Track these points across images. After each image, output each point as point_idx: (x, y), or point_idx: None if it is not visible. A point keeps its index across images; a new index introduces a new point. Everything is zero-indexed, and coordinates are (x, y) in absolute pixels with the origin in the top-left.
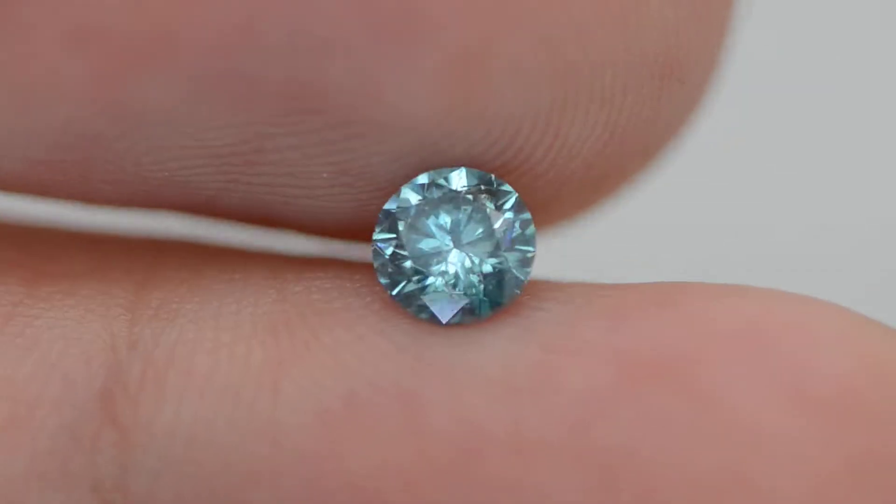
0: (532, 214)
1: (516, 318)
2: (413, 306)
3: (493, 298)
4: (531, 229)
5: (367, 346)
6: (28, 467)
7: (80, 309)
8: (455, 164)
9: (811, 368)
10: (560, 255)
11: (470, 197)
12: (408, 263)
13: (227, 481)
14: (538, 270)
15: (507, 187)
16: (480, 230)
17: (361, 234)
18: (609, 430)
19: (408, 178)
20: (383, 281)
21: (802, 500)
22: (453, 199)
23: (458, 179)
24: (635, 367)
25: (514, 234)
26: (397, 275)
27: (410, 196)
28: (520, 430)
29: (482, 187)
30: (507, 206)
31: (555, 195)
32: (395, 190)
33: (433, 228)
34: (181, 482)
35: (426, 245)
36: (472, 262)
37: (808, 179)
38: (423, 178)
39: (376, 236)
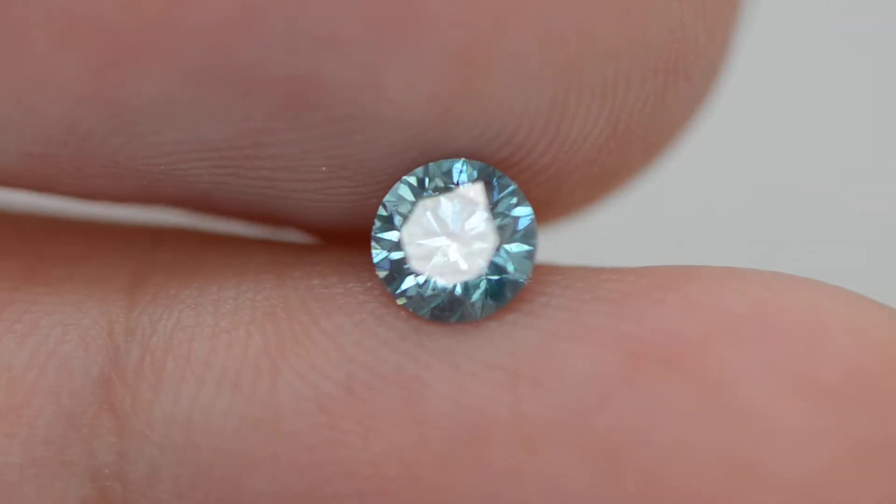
0: (534, 209)
1: (518, 303)
2: (414, 308)
3: (495, 299)
4: (533, 225)
5: (367, 332)
6: (24, 455)
7: (78, 294)
8: (455, 157)
9: (818, 354)
10: (561, 247)
11: (470, 191)
12: (408, 264)
13: (226, 468)
14: (540, 260)
15: (508, 181)
16: (481, 225)
17: (361, 229)
18: (614, 416)
19: (408, 171)
20: (384, 278)
21: (807, 486)
22: (453, 193)
23: (458, 173)
24: (640, 352)
25: (516, 230)
26: (398, 273)
27: (409, 190)
28: (523, 416)
29: (483, 181)
30: (509, 200)
31: (557, 190)
32: (394, 183)
33: (432, 224)
34: (180, 469)
35: (425, 241)
36: (473, 259)
37: (812, 172)
38: (421, 172)
39: (375, 233)
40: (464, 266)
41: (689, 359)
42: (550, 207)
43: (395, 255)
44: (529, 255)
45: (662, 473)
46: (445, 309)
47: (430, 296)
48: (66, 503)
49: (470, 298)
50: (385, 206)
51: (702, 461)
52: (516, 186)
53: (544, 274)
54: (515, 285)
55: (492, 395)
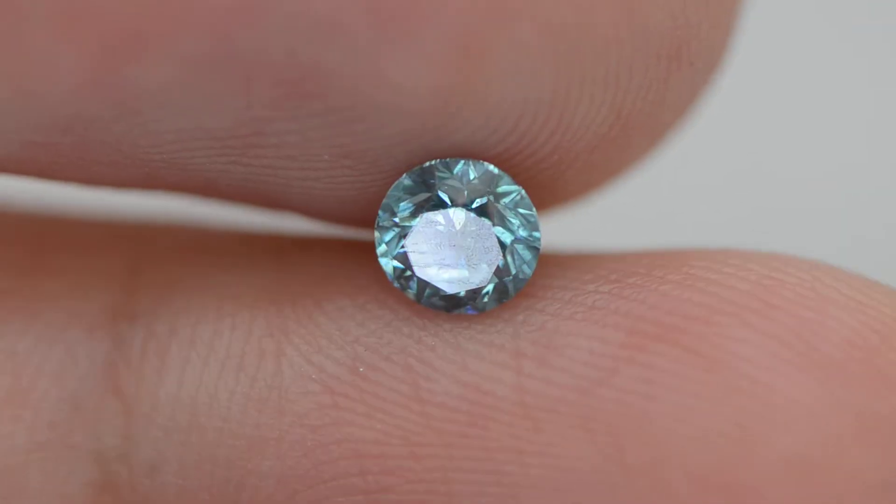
0: (536, 195)
1: None
2: (419, 300)
3: (499, 296)
4: (536, 223)
5: (370, 315)
6: (29, 439)
7: (82, 282)
8: (458, 149)
9: (819, 329)
10: (561, 234)
11: (474, 193)
12: (410, 272)
13: (231, 449)
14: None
15: (511, 182)
16: (485, 230)
17: (364, 217)
18: (615, 393)
19: (410, 163)
20: (389, 273)
21: (811, 460)
22: (457, 194)
23: (463, 173)
24: (642, 329)
25: (520, 232)
26: (402, 269)
27: (411, 191)
28: (526, 394)
29: (486, 181)
30: (512, 201)
31: (559, 177)
32: (398, 175)
33: (436, 229)
34: (185, 451)
35: (430, 240)
36: (478, 264)
37: (815, 162)
38: (426, 169)
39: (381, 222)
40: (468, 273)
41: (691, 334)
42: (552, 194)
43: (399, 256)
44: (533, 256)
45: (664, 450)
46: (449, 307)
47: (435, 298)
48: (70, 487)
49: (474, 300)
50: (386, 207)
51: (703, 435)
52: (519, 187)
53: (546, 258)
54: (519, 283)
55: (495, 374)
